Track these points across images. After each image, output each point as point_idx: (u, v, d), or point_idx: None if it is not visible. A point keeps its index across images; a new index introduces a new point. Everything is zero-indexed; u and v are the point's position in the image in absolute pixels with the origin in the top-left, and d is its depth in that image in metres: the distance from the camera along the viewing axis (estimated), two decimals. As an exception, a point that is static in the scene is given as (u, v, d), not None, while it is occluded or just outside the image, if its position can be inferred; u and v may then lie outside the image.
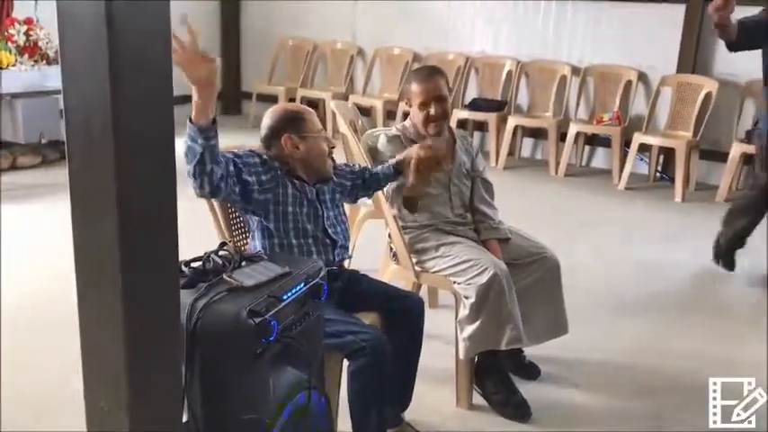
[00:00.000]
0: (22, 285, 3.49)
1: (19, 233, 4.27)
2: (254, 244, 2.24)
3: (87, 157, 1.20)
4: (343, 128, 3.07)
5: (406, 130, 2.76)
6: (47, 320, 3.09)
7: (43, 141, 5.70)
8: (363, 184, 2.50)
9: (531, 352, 2.83)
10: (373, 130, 2.89)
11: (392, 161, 2.52)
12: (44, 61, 5.64)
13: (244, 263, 1.85)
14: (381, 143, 2.73)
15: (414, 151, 2.45)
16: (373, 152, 2.73)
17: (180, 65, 1.76)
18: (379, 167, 2.53)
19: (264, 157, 2.19)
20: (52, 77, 5.58)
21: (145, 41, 1.17)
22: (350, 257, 2.46)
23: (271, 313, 1.66)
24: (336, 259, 2.29)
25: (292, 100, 7.11)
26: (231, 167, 2.03)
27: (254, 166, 2.13)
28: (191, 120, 1.87)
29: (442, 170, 2.61)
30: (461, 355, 2.54)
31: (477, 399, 2.64)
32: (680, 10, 5.77)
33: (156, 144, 1.23)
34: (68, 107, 1.19)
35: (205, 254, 1.85)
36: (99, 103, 1.15)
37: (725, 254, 3.96)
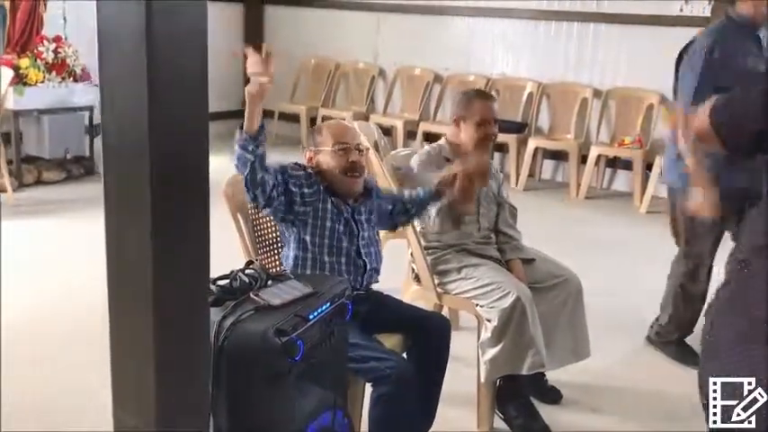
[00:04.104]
0: (43, 299, 3.52)
1: (42, 247, 4.32)
2: (288, 254, 2.26)
3: (122, 175, 1.22)
4: (366, 148, 3.08)
5: (441, 149, 2.76)
6: (66, 333, 3.12)
7: (68, 157, 5.78)
8: (404, 206, 2.48)
9: (552, 376, 2.80)
10: (398, 150, 2.90)
11: (433, 181, 2.48)
12: (71, 78, 5.72)
13: (270, 282, 1.86)
14: (419, 162, 2.70)
15: (456, 169, 2.38)
16: (398, 172, 2.73)
17: (255, 75, 1.89)
18: (420, 190, 2.50)
19: (309, 170, 2.25)
20: (79, 94, 5.68)
21: (182, 59, 1.19)
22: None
23: (297, 333, 1.67)
24: (365, 282, 2.30)
25: (314, 119, 7.16)
26: (279, 176, 2.10)
27: (299, 179, 2.18)
28: (241, 127, 1.95)
29: (487, 185, 2.60)
30: (483, 379, 2.52)
31: (499, 422, 2.61)
32: (703, 34, 5.76)
33: (191, 161, 1.24)
34: (106, 124, 1.21)
35: (232, 272, 1.86)
36: (136, 120, 1.16)
37: None
